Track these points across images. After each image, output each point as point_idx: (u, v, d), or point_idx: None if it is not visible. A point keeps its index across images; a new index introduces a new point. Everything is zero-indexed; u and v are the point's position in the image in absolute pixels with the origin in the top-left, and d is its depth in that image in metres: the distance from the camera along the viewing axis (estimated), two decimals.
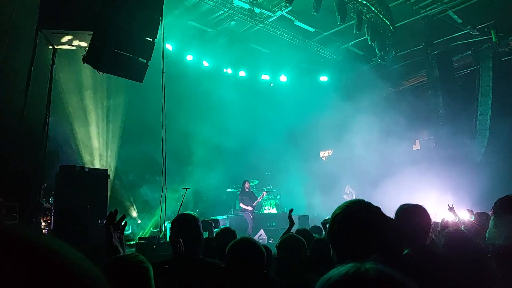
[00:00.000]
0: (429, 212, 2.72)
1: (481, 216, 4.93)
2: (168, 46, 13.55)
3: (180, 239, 2.84)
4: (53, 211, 8.00)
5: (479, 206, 11.10)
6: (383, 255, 1.65)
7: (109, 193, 9.00)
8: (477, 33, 14.23)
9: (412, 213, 2.61)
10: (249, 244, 2.50)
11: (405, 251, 2.62)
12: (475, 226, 4.56)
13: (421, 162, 13.52)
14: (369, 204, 1.79)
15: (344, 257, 1.68)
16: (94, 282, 0.49)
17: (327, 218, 5.34)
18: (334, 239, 1.75)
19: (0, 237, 0.45)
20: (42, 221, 7.93)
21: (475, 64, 14.76)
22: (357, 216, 1.72)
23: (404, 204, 2.67)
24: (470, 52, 14.85)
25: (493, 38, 13.76)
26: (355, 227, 1.69)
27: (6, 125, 8.03)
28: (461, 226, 4.88)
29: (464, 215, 6.77)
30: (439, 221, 5.11)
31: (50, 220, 8.00)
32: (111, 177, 12.95)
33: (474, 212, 5.92)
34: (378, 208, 1.78)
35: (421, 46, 15.33)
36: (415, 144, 16.72)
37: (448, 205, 7.00)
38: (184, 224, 3.10)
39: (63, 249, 0.49)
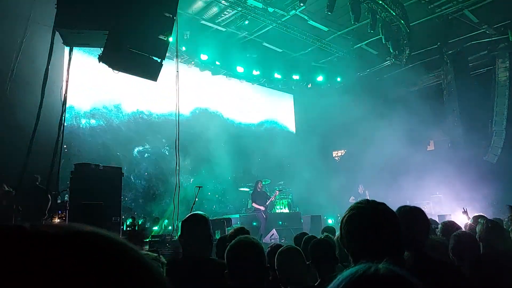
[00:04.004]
0: (427, 214, 2.67)
1: (475, 219, 4.83)
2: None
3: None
4: (68, 207, 8.15)
5: (495, 207, 10.99)
6: (393, 255, 1.65)
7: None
8: (493, 32, 14.04)
9: (410, 216, 2.55)
10: (247, 242, 2.39)
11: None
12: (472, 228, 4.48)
13: (435, 163, 13.39)
14: (375, 203, 1.80)
15: (357, 257, 1.69)
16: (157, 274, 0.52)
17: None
18: (344, 240, 1.78)
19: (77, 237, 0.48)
20: (57, 217, 8.08)
21: (491, 63, 14.56)
22: (363, 216, 1.74)
23: (402, 206, 2.62)
24: (486, 51, 14.66)
25: (510, 38, 13.58)
26: (362, 227, 1.71)
27: (23, 122, 8.17)
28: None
29: (462, 218, 6.70)
30: (454, 222, 5.05)
31: (66, 217, 8.15)
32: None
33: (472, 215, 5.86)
34: (384, 205, 1.79)
35: (436, 46, 15.15)
36: (429, 145, 16.57)
37: (463, 208, 6.95)
38: (194, 224, 3.05)
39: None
